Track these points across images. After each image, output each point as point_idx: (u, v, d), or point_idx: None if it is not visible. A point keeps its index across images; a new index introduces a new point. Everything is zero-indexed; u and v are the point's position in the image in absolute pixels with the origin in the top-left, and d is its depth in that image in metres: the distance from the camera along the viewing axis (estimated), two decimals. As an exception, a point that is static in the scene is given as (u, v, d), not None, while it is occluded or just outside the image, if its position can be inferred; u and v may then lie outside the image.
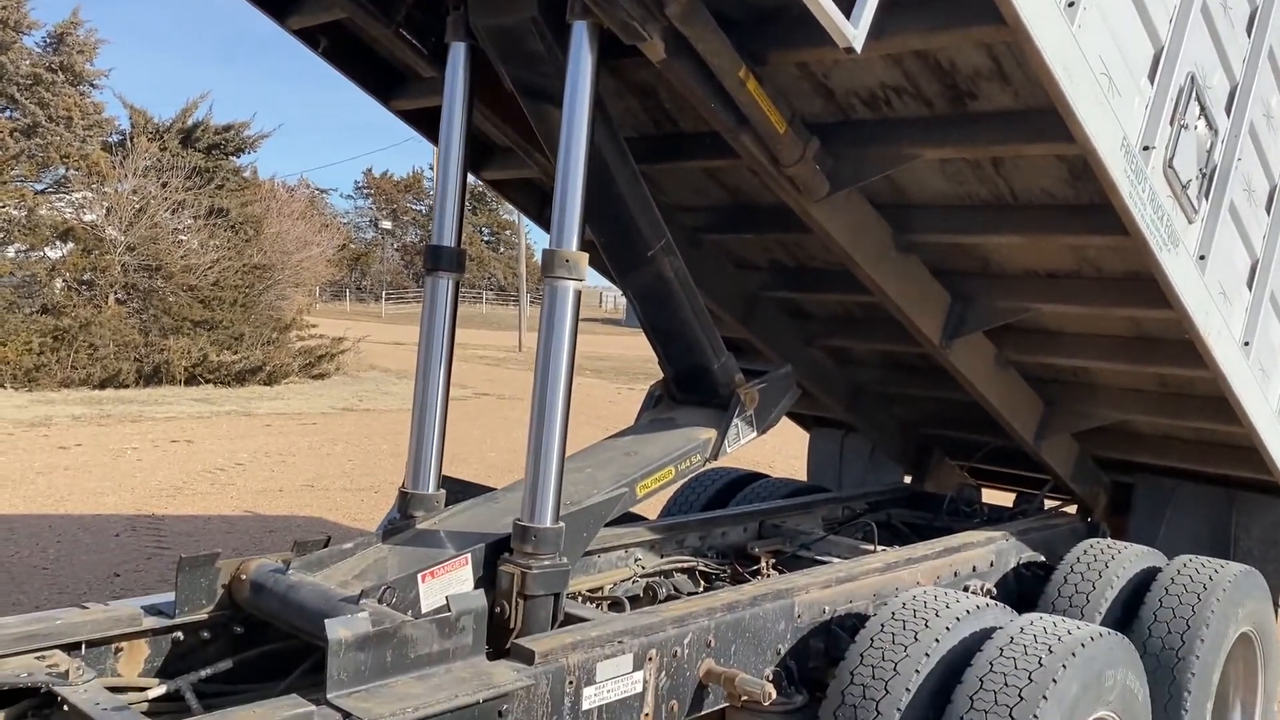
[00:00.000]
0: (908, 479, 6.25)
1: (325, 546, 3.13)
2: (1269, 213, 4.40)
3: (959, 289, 4.32)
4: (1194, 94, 3.66)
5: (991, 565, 4.68)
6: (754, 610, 3.44)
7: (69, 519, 8.61)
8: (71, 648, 2.69)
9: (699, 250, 4.67)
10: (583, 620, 3.11)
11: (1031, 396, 4.97)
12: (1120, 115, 3.20)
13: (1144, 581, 4.54)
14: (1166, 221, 3.53)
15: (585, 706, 2.88)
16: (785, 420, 4.58)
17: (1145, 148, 3.42)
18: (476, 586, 3.01)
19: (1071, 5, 2.91)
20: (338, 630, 2.43)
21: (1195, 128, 3.75)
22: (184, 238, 21.89)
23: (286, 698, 2.39)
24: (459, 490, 3.55)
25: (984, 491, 6.27)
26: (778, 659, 3.54)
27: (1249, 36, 4.08)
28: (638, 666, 3.02)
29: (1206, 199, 3.95)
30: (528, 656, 2.75)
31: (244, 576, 2.95)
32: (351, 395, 19.81)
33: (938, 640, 3.42)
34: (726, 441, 3.84)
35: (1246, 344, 4.37)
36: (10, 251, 19.63)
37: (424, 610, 2.91)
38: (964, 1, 2.75)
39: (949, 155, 3.57)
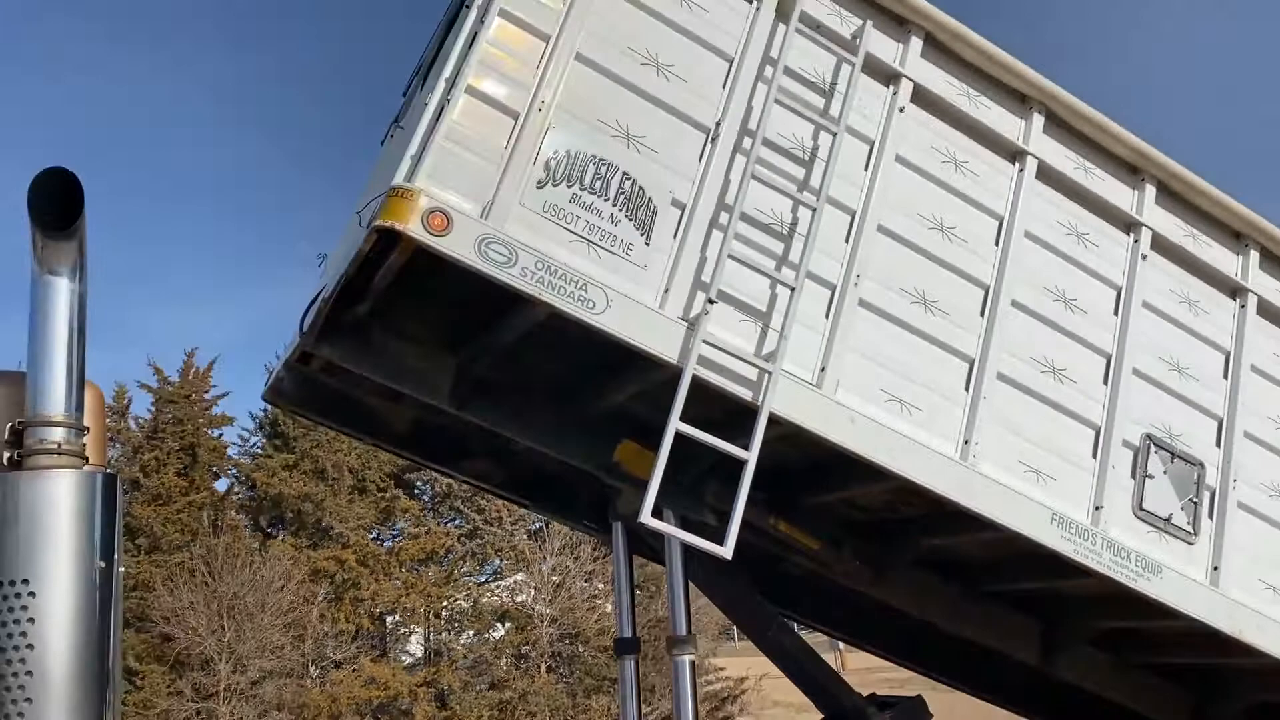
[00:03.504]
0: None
1: None
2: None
3: (1046, 614, 5.41)
4: (1152, 449, 4.79)
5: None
6: None
7: None
8: None
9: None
10: None
11: (1172, 689, 5.69)
12: (1047, 497, 4.37)
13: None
14: (1136, 557, 4.56)
15: None
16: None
17: (1097, 507, 4.58)
18: None
19: (967, 443, 4.32)
20: None
21: (1165, 472, 4.83)
22: (598, 601, 25.15)
23: None
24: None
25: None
26: None
27: (1225, 379, 5.07)
28: None
29: (1211, 519, 4.90)
30: None
31: None
32: (751, 732, 21.09)
33: None
34: (865, 760, 5.17)
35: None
36: (463, 638, 23.70)
37: None
38: (864, 469, 4.20)
39: (942, 544, 4.90)
